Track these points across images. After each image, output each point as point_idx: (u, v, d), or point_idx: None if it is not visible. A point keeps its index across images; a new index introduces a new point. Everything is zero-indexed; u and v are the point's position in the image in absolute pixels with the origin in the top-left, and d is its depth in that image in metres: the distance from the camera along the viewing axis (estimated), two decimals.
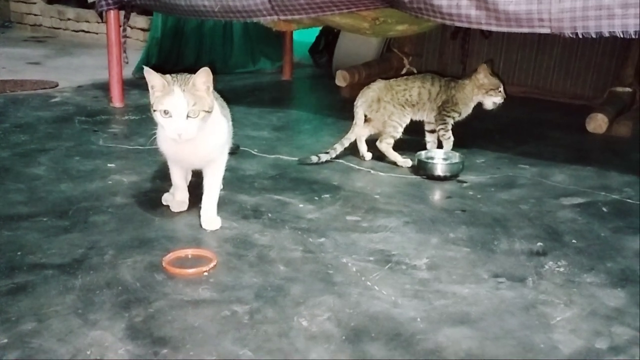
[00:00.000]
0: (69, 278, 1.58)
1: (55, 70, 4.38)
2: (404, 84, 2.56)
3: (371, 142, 2.60)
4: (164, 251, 1.74)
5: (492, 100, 2.54)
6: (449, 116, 2.55)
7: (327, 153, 2.54)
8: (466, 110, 2.59)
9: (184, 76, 1.73)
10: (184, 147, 1.78)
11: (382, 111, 2.53)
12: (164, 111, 1.68)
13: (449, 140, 2.59)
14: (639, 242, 1.88)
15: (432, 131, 2.66)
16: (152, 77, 1.72)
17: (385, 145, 2.55)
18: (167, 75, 1.72)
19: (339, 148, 2.55)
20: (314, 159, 2.53)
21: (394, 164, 2.55)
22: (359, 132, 2.58)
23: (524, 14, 2.10)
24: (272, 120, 3.20)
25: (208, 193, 1.91)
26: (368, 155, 2.61)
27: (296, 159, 2.58)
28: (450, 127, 2.58)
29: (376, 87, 2.56)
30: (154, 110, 1.71)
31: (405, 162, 2.55)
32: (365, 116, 2.56)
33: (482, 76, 2.52)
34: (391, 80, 2.60)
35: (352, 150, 2.69)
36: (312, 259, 1.73)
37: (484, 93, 2.53)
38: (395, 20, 2.82)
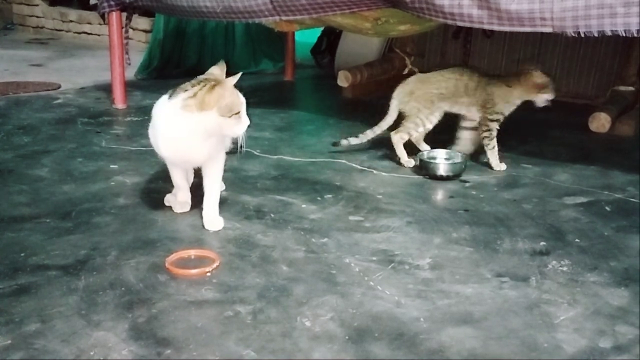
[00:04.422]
0: (72, 279, 1.59)
1: (57, 72, 4.39)
2: (439, 76, 2.55)
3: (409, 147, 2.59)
4: (167, 252, 1.74)
5: (545, 98, 2.52)
6: (492, 120, 2.50)
7: (357, 137, 2.58)
8: (508, 109, 2.54)
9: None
10: (181, 145, 1.79)
11: (413, 104, 2.52)
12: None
13: (492, 151, 2.51)
14: None
15: (469, 128, 2.63)
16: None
17: (398, 138, 2.54)
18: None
19: (369, 134, 2.57)
20: (344, 142, 2.60)
21: (398, 160, 2.55)
22: (399, 135, 2.55)
23: (526, 13, 2.09)
24: (275, 121, 3.20)
25: (209, 193, 1.92)
26: (409, 162, 2.56)
27: (298, 159, 2.59)
28: (494, 134, 2.51)
29: (412, 80, 2.56)
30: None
31: (408, 161, 2.55)
32: (401, 114, 2.55)
33: (538, 76, 2.49)
34: (428, 73, 2.60)
35: (352, 150, 2.69)
36: (315, 259, 1.73)
37: (536, 92, 2.50)
38: (397, 20, 2.82)
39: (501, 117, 2.52)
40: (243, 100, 1.77)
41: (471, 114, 2.57)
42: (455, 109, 2.57)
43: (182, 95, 1.75)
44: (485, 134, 2.52)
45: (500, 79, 2.56)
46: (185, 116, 1.73)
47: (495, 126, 2.51)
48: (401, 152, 2.56)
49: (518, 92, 2.50)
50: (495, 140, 2.52)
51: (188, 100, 1.73)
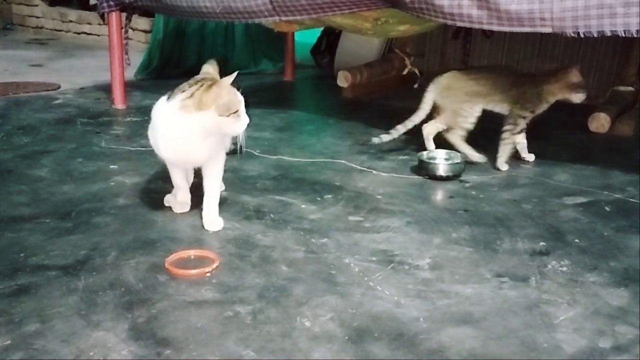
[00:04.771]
0: (72, 279, 1.59)
1: (57, 72, 4.39)
2: (476, 73, 2.56)
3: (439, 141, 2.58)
4: (167, 252, 1.74)
5: (579, 97, 2.51)
6: (521, 116, 2.49)
7: (389, 133, 2.58)
8: (541, 107, 2.53)
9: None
10: (181, 146, 1.79)
11: (453, 98, 2.51)
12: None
13: (506, 147, 2.50)
14: None
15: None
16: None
17: (456, 137, 2.53)
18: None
19: (401, 129, 2.57)
20: (376, 140, 2.59)
21: (468, 158, 2.52)
22: (429, 130, 2.56)
23: (526, 13, 2.09)
24: (274, 121, 3.20)
25: (209, 194, 1.92)
26: (482, 158, 2.55)
27: (298, 159, 2.59)
28: (517, 130, 2.50)
29: (448, 75, 2.56)
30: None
31: (480, 157, 2.52)
32: (435, 108, 2.54)
33: (575, 75, 2.47)
34: (464, 69, 2.60)
35: (354, 150, 2.69)
36: (315, 260, 1.73)
37: (571, 91, 2.48)
38: (397, 20, 2.82)
39: (531, 116, 2.51)
40: (241, 98, 1.77)
41: (504, 112, 2.55)
42: (490, 107, 2.55)
43: (180, 96, 1.75)
44: (509, 127, 2.50)
45: (535, 77, 2.55)
46: (184, 117, 1.74)
47: (522, 123, 2.50)
48: (466, 149, 2.52)
49: (553, 90, 2.49)
50: (515, 137, 2.51)
51: (186, 101, 1.73)
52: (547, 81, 2.50)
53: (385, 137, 2.59)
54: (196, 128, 1.75)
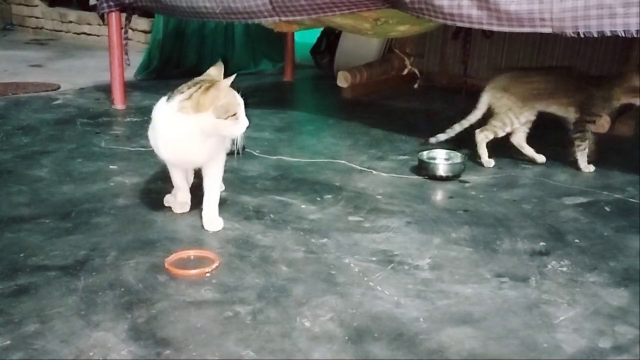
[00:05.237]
0: (71, 279, 1.59)
1: (57, 73, 4.39)
2: (537, 75, 2.54)
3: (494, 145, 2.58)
4: (166, 252, 1.74)
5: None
6: (588, 121, 2.47)
7: (445, 133, 2.57)
8: (607, 111, 2.52)
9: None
10: (180, 147, 1.79)
11: (504, 102, 2.49)
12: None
13: (583, 152, 2.48)
14: None
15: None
16: None
17: (482, 137, 2.53)
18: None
19: (457, 128, 2.56)
20: (433, 140, 2.59)
21: (478, 159, 2.54)
22: (484, 134, 2.54)
23: (526, 13, 2.10)
24: (274, 122, 3.20)
25: (209, 194, 1.92)
26: (489, 162, 2.55)
27: (297, 159, 2.59)
28: (588, 135, 2.48)
29: (507, 76, 2.54)
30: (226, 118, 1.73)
31: (489, 161, 2.53)
32: (492, 109, 2.52)
33: (637, 79, 2.43)
34: (525, 70, 2.58)
35: (354, 150, 2.69)
36: (315, 260, 1.73)
37: (635, 95, 2.45)
38: (397, 20, 2.82)
39: (598, 119, 2.49)
40: (240, 101, 1.76)
41: (568, 115, 2.52)
42: (552, 109, 2.53)
43: (178, 97, 1.75)
44: (579, 134, 2.49)
45: (600, 79, 2.53)
46: (182, 118, 1.74)
47: (590, 128, 2.49)
48: (483, 151, 2.54)
49: (618, 93, 2.46)
50: (586, 142, 2.50)
51: (184, 102, 1.73)
52: (614, 85, 2.46)
53: (442, 137, 2.59)
54: (194, 129, 1.74)
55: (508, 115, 2.49)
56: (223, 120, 1.72)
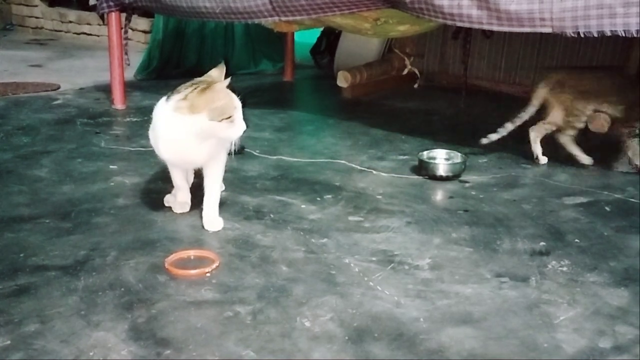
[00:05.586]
0: (71, 279, 1.59)
1: (57, 73, 4.39)
2: (589, 73, 2.54)
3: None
4: (167, 252, 1.74)
5: None
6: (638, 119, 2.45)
7: (497, 132, 2.54)
8: None
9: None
10: (179, 147, 1.79)
11: (567, 95, 2.47)
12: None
13: (634, 148, 2.47)
14: None
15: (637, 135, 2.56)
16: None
17: (567, 138, 2.52)
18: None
19: (509, 126, 2.54)
20: (484, 141, 2.55)
21: (535, 157, 2.54)
22: (537, 132, 2.54)
23: (526, 13, 2.10)
24: (274, 122, 3.20)
25: (209, 194, 1.92)
26: (543, 159, 2.56)
27: (297, 159, 2.59)
28: (635, 132, 2.45)
29: (560, 72, 2.54)
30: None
31: (587, 158, 2.52)
32: (545, 106, 2.50)
33: None
34: (574, 69, 2.58)
35: (354, 150, 2.68)
36: (315, 260, 1.73)
37: None
38: (397, 20, 2.82)
39: None
40: (238, 104, 1.75)
41: (617, 114, 2.52)
42: (602, 108, 2.52)
43: (175, 97, 1.75)
44: (627, 130, 2.48)
45: None
46: (179, 118, 1.73)
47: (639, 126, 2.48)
48: (576, 151, 2.52)
49: None
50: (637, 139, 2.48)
51: (180, 103, 1.73)
52: None
53: (494, 136, 2.55)
54: (190, 130, 1.74)
55: (576, 107, 2.46)
56: (218, 123, 1.71)
